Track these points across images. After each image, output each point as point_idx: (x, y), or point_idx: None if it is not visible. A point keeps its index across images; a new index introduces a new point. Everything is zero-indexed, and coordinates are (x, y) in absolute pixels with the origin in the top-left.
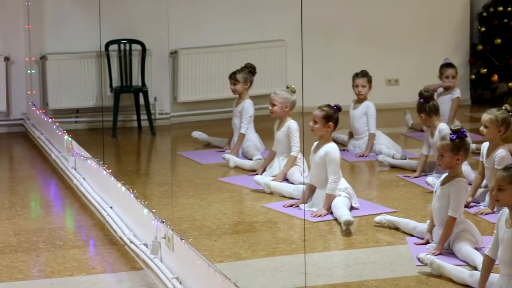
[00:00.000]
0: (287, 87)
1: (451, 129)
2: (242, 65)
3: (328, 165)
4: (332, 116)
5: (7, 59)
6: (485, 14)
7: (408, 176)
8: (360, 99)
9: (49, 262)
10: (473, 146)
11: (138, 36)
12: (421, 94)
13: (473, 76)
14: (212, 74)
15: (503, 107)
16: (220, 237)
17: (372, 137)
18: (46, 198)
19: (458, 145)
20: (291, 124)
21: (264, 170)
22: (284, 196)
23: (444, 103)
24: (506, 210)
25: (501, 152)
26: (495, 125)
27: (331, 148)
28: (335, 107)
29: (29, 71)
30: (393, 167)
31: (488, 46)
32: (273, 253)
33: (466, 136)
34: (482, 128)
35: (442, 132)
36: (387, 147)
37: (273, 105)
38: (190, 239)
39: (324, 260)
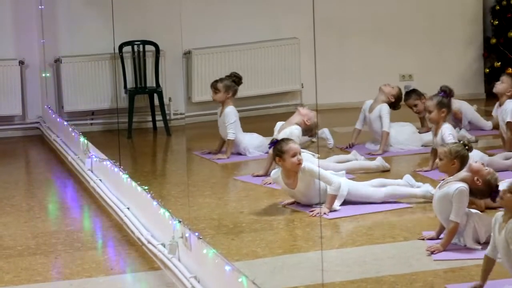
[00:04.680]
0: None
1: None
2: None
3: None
4: None
5: (21, 63)
6: (498, 7)
7: (421, 170)
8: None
9: (67, 264)
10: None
11: (152, 37)
12: (442, 89)
13: (487, 70)
14: (226, 73)
15: None
16: (237, 236)
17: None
18: (64, 200)
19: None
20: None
21: (267, 172)
22: None
23: None
24: (500, 214)
25: None
26: None
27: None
28: None
29: (43, 75)
30: None
31: (501, 39)
32: (290, 251)
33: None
34: None
35: (444, 134)
36: None
37: None
38: (208, 238)
39: (341, 256)
